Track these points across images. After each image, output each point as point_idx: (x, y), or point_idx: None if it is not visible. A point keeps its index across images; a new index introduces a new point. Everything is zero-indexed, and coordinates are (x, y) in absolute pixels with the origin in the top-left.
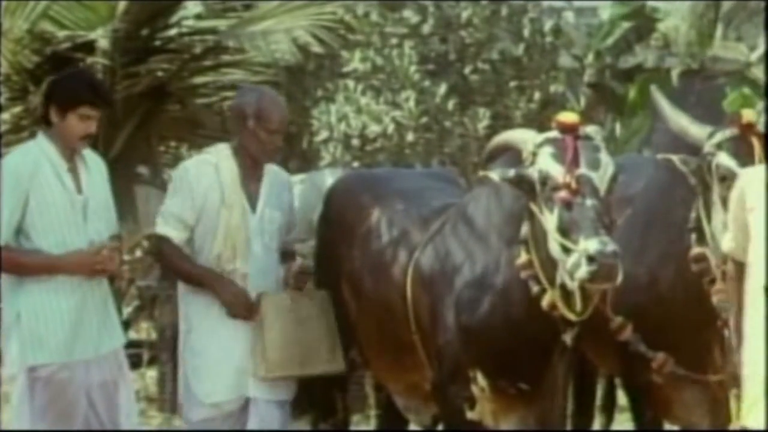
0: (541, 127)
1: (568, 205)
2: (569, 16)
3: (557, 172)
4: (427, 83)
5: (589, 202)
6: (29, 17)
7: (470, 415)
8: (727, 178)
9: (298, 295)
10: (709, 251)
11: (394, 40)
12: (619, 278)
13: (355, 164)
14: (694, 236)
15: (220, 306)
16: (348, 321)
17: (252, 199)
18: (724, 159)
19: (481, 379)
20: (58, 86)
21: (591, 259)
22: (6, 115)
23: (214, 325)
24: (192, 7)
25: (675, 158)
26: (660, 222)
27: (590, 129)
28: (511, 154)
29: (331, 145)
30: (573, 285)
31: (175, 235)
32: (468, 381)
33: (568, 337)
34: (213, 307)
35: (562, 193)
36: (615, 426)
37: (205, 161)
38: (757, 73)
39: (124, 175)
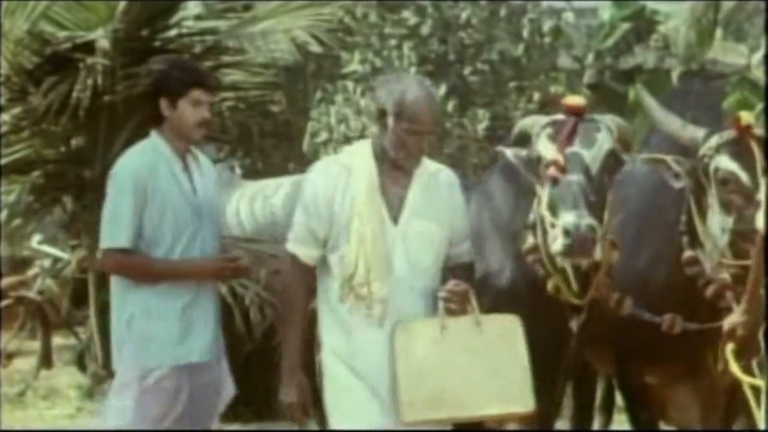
0: None
1: (554, 182)
2: (569, 16)
3: (549, 150)
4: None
5: (575, 177)
6: (29, 18)
7: None
8: (729, 181)
9: (455, 321)
10: (702, 254)
11: (393, 42)
12: (597, 253)
13: None
14: (685, 239)
15: (362, 330)
16: None
17: (394, 209)
18: (725, 162)
19: None
20: (165, 77)
21: (566, 232)
22: (6, 116)
23: (353, 351)
24: (192, 8)
25: (668, 159)
26: (651, 224)
27: (607, 117)
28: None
29: (331, 147)
30: (563, 263)
31: (304, 252)
32: None
33: (574, 324)
34: (355, 333)
35: (551, 170)
36: (612, 426)
37: (336, 162)
38: (758, 74)
39: None
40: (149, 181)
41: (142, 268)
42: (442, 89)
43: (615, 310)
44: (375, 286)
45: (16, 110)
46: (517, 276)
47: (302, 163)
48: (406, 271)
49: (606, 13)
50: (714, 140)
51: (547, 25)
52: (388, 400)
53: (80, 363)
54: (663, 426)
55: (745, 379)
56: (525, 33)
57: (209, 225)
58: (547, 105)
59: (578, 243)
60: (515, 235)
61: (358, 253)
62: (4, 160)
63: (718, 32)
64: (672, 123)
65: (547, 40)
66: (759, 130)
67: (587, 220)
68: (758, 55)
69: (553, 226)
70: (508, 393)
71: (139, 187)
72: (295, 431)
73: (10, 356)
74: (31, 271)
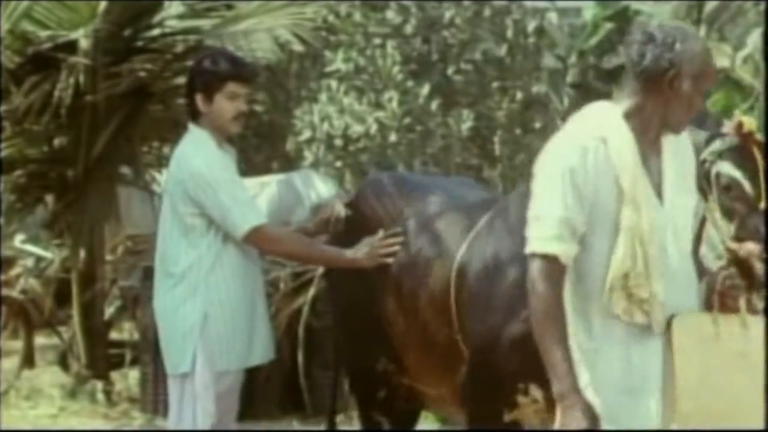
0: (524, 128)
1: None
2: (552, 16)
3: None
4: (410, 84)
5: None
6: (10, 17)
7: (507, 417)
8: (732, 188)
9: (725, 319)
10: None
11: (377, 41)
12: None
13: (338, 164)
14: None
15: (639, 339)
16: (378, 325)
17: (656, 185)
18: (728, 169)
19: (534, 390)
20: (198, 72)
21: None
22: None
23: (627, 365)
24: (174, 7)
25: None
26: None
27: None
28: None
29: (314, 146)
30: None
31: (564, 250)
32: (515, 392)
33: None
34: (630, 344)
35: None
36: None
37: (588, 134)
38: (741, 73)
39: (107, 175)
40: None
41: (297, 242)
42: (426, 89)
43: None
44: (656, 286)
45: None
46: None
47: (286, 162)
48: (679, 260)
49: (589, 12)
50: (717, 145)
51: (530, 25)
52: (659, 408)
53: (63, 363)
54: None
55: None
56: (509, 33)
57: None
58: (530, 105)
59: None
60: None
61: (632, 246)
62: None
63: (702, 32)
64: None
65: (530, 40)
66: (760, 136)
67: None
68: (741, 54)
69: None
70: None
71: (232, 179)
72: (292, 431)
73: None
74: (14, 271)
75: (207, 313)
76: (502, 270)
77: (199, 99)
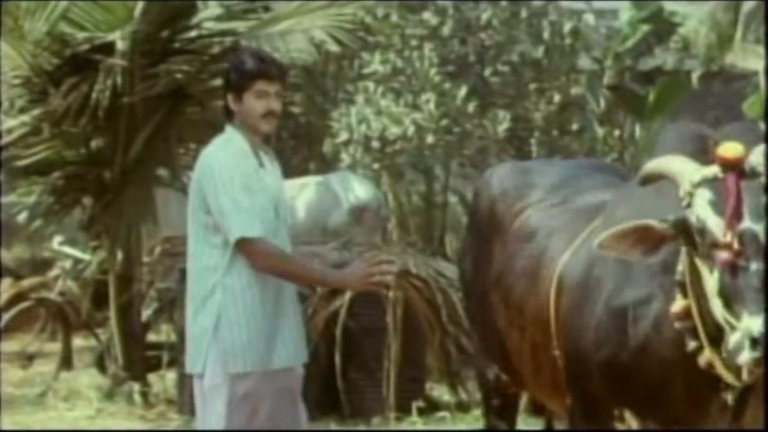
0: (561, 129)
1: (730, 270)
2: (589, 18)
3: (716, 226)
4: (447, 85)
5: (755, 266)
6: (48, 19)
7: None
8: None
9: None
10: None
11: (414, 42)
12: None
13: (375, 166)
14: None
15: None
16: (497, 331)
17: None
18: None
19: (629, 418)
20: (228, 71)
21: (755, 341)
22: (26, 117)
23: None
24: (211, 9)
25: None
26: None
27: (756, 157)
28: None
29: (351, 147)
30: (748, 370)
31: None
32: (612, 418)
33: (729, 397)
34: None
35: (723, 255)
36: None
37: None
38: None
39: (144, 177)
40: (243, 177)
41: (286, 260)
42: (463, 90)
43: None
44: None
45: (36, 111)
46: (663, 313)
47: (323, 163)
48: None
49: (626, 14)
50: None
51: (567, 26)
52: None
53: (100, 364)
54: None
55: None
56: (545, 34)
57: (284, 225)
58: (567, 107)
59: None
60: (665, 266)
61: None
62: (24, 162)
63: (738, 34)
64: None
65: (567, 41)
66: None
67: None
68: None
69: (730, 325)
70: None
71: (244, 184)
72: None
73: (31, 358)
74: (52, 273)
75: (220, 314)
76: (598, 287)
77: (230, 98)
